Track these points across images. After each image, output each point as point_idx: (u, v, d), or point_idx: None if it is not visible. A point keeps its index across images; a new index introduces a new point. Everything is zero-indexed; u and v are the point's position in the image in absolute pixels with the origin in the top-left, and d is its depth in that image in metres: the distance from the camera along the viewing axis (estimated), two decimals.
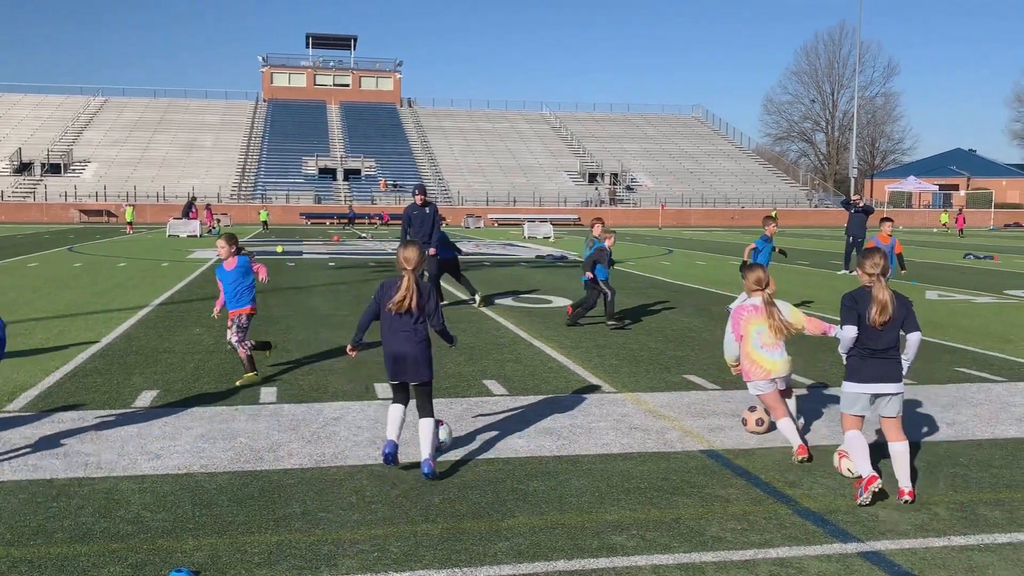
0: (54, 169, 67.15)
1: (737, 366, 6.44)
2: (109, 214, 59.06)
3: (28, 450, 5.99)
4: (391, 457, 5.61)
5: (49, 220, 57.39)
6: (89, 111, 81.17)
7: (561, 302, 14.85)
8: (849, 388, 5.41)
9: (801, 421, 6.60)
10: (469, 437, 6.46)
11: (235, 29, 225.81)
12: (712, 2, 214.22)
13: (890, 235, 15.19)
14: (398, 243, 16.92)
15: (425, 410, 5.64)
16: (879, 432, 6.09)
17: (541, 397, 7.78)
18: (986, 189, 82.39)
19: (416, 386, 5.68)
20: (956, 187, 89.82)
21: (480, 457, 5.98)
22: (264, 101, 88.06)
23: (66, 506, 4.95)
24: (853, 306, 5.30)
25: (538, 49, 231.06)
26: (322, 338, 10.83)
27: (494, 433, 6.58)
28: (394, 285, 5.70)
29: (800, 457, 5.94)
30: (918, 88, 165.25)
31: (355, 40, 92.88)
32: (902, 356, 5.41)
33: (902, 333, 5.38)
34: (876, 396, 5.34)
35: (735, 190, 75.01)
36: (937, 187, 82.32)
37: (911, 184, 72.96)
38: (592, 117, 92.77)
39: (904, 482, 5.23)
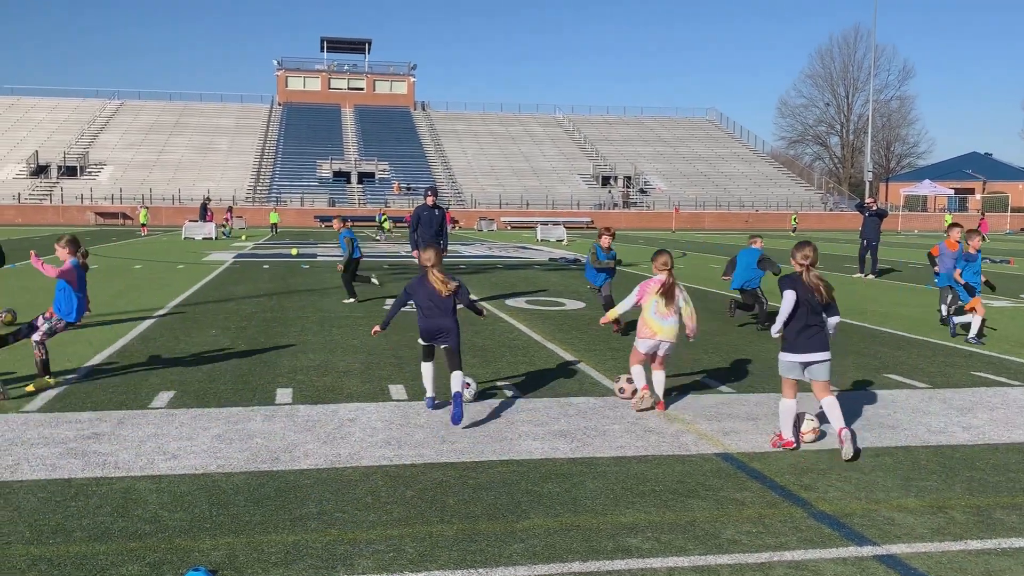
0: (70, 171, 67.62)
1: (616, 324, 9.23)
2: (125, 216, 59.44)
3: (46, 450, 6.04)
4: (433, 402, 7.43)
5: (65, 222, 57.79)
6: (105, 114, 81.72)
7: (574, 305, 14.85)
8: (785, 358, 6.33)
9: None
10: (483, 438, 6.47)
11: (251, 33, 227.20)
12: (726, 5, 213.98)
13: (958, 241, 12.63)
14: (408, 243, 17.34)
15: (455, 365, 7.08)
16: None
17: (555, 399, 7.79)
18: (1002, 193, 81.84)
19: (447, 349, 7.17)
20: (972, 191, 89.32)
21: (494, 459, 5.99)
22: (279, 104, 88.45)
23: (84, 505, 4.99)
24: (792, 285, 6.30)
25: (552, 52, 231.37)
26: (336, 340, 10.87)
27: (508, 435, 6.59)
28: (421, 282, 7.31)
29: (645, 395, 7.33)
30: (934, 91, 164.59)
31: (369, 44, 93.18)
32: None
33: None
34: (807, 364, 6.25)
35: (749, 193, 74.81)
36: (952, 191, 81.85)
37: (926, 188, 72.55)
38: (605, 120, 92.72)
39: (838, 424, 6.20)
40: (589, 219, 66.17)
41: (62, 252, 8.18)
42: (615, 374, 8.91)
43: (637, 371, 7.46)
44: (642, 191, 74.33)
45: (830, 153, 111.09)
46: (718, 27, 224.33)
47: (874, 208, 22.04)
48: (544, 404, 7.60)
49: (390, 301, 15.09)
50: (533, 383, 8.48)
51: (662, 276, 7.54)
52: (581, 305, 14.85)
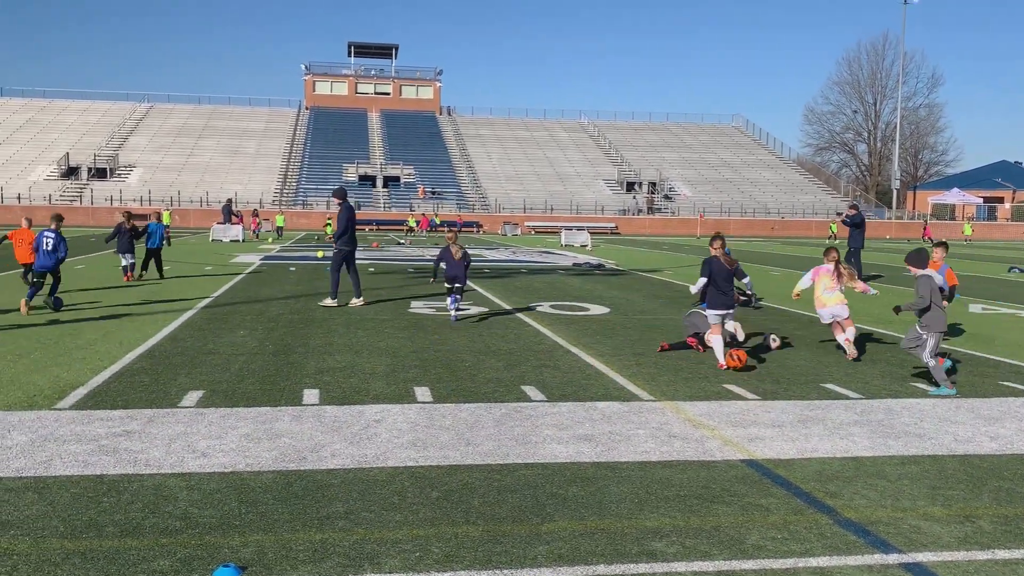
0: (100, 173, 68.46)
1: (798, 295, 11.20)
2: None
3: (79, 446, 6.15)
4: (455, 302, 12.96)
5: (95, 223, 58.47)
6: (135, 117, 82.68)
7: (598, 310, 14.86)
8: (710, 312, 9.78)
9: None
10: (507, 442, 6.51)
11: (279, 37, 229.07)
12: (753, 11, 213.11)
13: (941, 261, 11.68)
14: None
15: (459, 293, 12.96)
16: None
17: (579, 404, 7.81)
18: None
19: (459, 287, 12.92)
20: (1001, 199, 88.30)
21: (519, 461, 6.02)
22: (306, 108, 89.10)
23: (116, 501, 5.08)
24: (707, 266, 9.82)
25: (577, 58, 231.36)
26: (362, 342, 10.95)
27: (533, 438, 6.62)
28: (447, 249, 13.05)
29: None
30: (963, 99, 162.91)
31: (396, 49, 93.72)
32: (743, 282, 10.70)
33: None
34: (723, 315, 9.67)
35: (775, 200, 74.43)
36: (981, 199, 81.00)
37: (954, 196, 71.91)
38: (631, 126, 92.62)
39: (740, 336, 10.34)
40: (613, 224, 66.11)
41: None
42: (640, 379, 8.93)
43: (717, 343, 9.76)
44: (667, 197, 74.15)
45: (857, 161, 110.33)
46: (744, 33, 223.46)
47: (846, 217, 21.64)
48: (568, 408, 7.63)
49: (416, 303, 15.17)
50: (557, 387, 8.50)
51: (830, 265, 10.58)
52: (606, 310, 14.85)
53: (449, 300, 12.92)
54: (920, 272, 8.55)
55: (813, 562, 4.42)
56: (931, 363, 8.55)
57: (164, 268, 20.39)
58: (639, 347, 11.01)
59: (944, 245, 12.00)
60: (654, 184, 75.22)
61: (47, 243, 13.39)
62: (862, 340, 11.91)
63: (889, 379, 9.27)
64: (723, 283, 9.70)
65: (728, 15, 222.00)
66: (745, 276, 11.53)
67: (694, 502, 5.28)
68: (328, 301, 14.66)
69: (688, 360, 10.15)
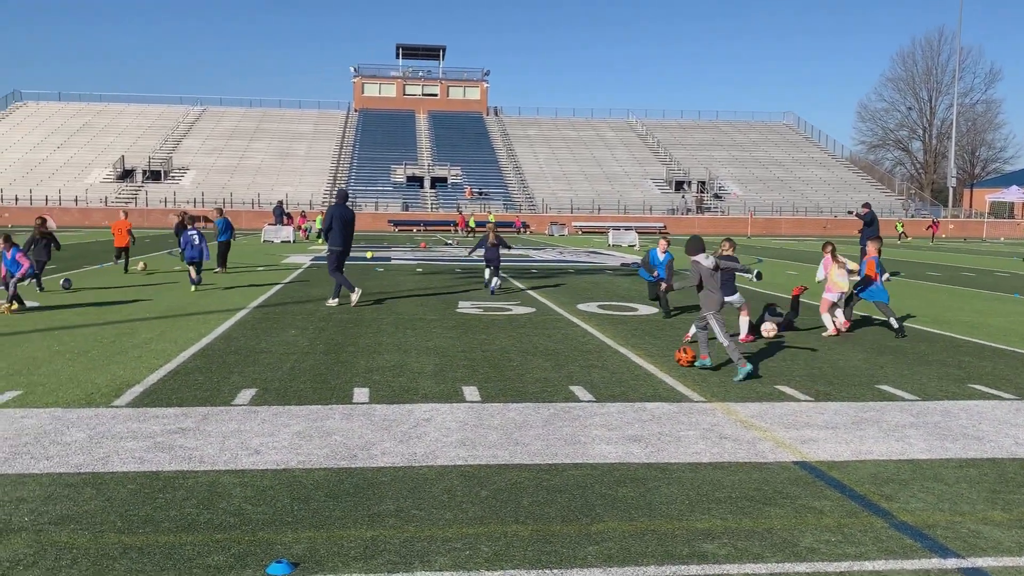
0: (155, 176, 69.82)
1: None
2: (206, 220, 61.04)
3: (135, 443, 6.27)
4: (491, 284, 16.79)
5: (149, 225, 59.68)
6: (188, 120, 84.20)
7: (647, 310, 14.76)
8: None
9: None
10: (556, 442, 6.49)
11: (329, 41, 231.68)
12: (803, 8, 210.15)
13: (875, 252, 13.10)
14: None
15: (495, 274, 16.87)
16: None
17: (628, 404, 7.77)
18: None
19: (495, 267, 16.88)
20: None
21: (567, 462, 6.01)
22: (355, 110, 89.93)
23: (172, 497, 5.17)
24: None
25: (625, 57, 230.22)
26: (410, 341, 11.01)
27: (581, 438, 6.60)
28: (486, 237, 17.11)
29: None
30: (1022, 95, 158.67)
31: (443, 50, 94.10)
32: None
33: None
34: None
35: (827, 199, 73.29)
36: None
37: (1013, 194, 70.01)
38: (680, 125, 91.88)
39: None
40: (662, 224, 65.62)
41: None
42: (689, 380, 8.86)
43: (827, 318, 12.21)
44: (717, 196, 73.42)
45: (912, 158, 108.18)
46: (795, 30, 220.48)
47: (858, 214, 22.31)
48: (617, 409, 7.59)
49: (464, 303, 15.21)
50: (605, 387, 8.46)
51: (828, 256, 12.52)
52: (654, 310, 14.74)
53: (487, 274, 17.26)
54: (692, 258, 9.55)
55: (868, 566, 4.34)
56: (725, 343, 8.99)
57: (216, 269, 20.92)
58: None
59: (879, 239, 13.83)
60: (703, 183, 74.53)
61: (194, 239, 16.79)
62: (918, 340, 11.69)
63: (946, 380, 9.07)
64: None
65: (777, 11, 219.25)
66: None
67: (746, 504, 5.22)
68: (331, 301, 14.81)
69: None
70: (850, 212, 23.83)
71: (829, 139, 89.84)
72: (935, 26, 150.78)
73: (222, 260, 21.77)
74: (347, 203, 15.04)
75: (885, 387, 8.71)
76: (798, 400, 8.07)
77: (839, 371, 9.51)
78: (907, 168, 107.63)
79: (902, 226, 59.57)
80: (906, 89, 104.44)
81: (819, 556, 4.45)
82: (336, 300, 14.83)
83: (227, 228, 22.01)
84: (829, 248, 12.73)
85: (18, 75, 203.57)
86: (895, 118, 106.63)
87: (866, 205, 22.64)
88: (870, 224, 21.89)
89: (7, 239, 13.85)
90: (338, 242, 14.71)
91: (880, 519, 5.01)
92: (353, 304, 14.62)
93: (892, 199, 76.04)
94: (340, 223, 14.66)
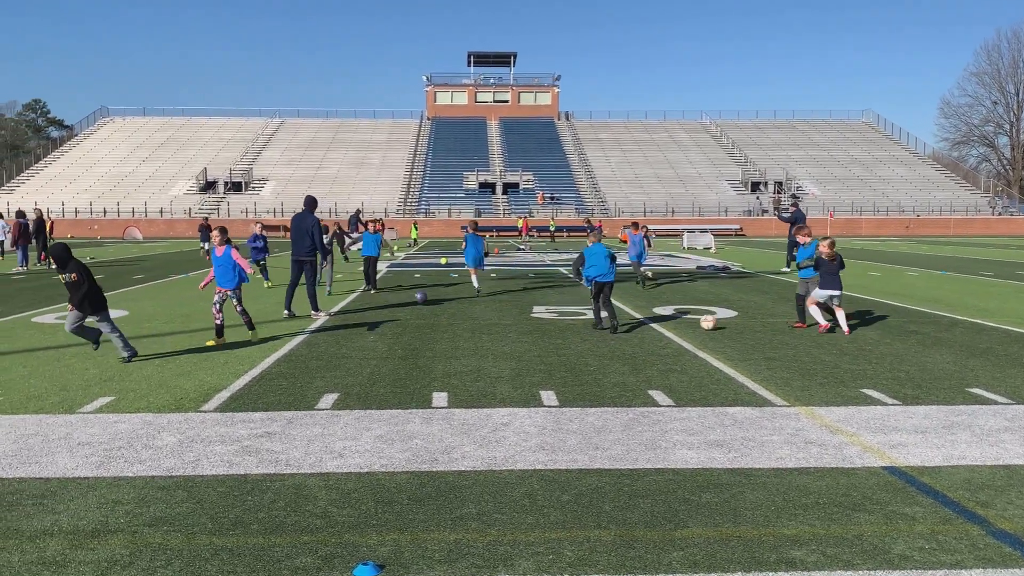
0: (236, 187, 71.80)
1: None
2: (286, 229, 62.45)
3: (223, 447, 6.44)
4: (589, 280, 12.74)
5: (232, 235, 61.22)
6: (267, 132, 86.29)
7: (724, 314, 14.55)
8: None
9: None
10: (636, 447, 6.44)
11: (401, 51, 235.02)
12: (881, 4, 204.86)
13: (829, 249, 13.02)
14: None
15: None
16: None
17: (709, 409, 7.66)
18: None
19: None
20: None
21: (648, 467, 5.95)
22: (428, 119, 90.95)
23: (260, 500, 5.28)
24: (584, 252, 12.26)
25: (698, 58, 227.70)
26: (487, 346, 11.06)
27: (662, 444, 6.53)
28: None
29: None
30: None
31: (514, 57, 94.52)
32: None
33: None
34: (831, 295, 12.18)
35: (909, 198, 71.26)
36: None
37: None
38: (755, 124, 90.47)
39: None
40: (738, 226, 64.68)
41: (219, 238, 11.19)
42: (771, 384, 8.70)
43: (815, 311, 12.33)
44: (794, 196, 71.98)
45: (998, 154, 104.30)
46: (872, 25, 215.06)
47: (783, 212, 24.04)
48: (698, 413, 7.49)
49: (539, 308, 15.21)
50: (685, 392, 8.36)
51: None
52: (733, 313, 14.53)
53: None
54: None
55: (965, 574, 4.19)
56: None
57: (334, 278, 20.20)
58: (769, 351, 10.71)
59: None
60: (780, 183, 73.20)
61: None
62: (1010, 342, 11.26)
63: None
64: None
65: (853, 7, 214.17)
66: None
67: (834, 510, 5.09)
68: (313, 314, 14.13)
69: (822, 364, 9.81)
70: (777, 210, 25.58)
71: (910, 136, 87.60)
72: (1021, 17, 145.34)
73: (370, 280, 19.38)
74: (312, 210, 14.37)
75: (977, 390, 8.41)
76: (885, 404, 7.85)
77: (927, 373, 9.22)
78: (993, 164, 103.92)
79: None
80: (991, 83, 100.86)
81: (912, 564, 4.31)
82: (317, 312, 14.17)
83: (372, 241, 19.84)
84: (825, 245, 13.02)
85: (105, 92, 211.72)
86: (980, 113, 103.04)
87: (794, 204, 24.35)
88: (795, 222, 23.33)
89: (222, 232, 11.33)
90: (302, 251, 14.05)
91: (976, 526, 4.84)
92: (284, 317, 14.07)
93: (978, 197, 73.51)
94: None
